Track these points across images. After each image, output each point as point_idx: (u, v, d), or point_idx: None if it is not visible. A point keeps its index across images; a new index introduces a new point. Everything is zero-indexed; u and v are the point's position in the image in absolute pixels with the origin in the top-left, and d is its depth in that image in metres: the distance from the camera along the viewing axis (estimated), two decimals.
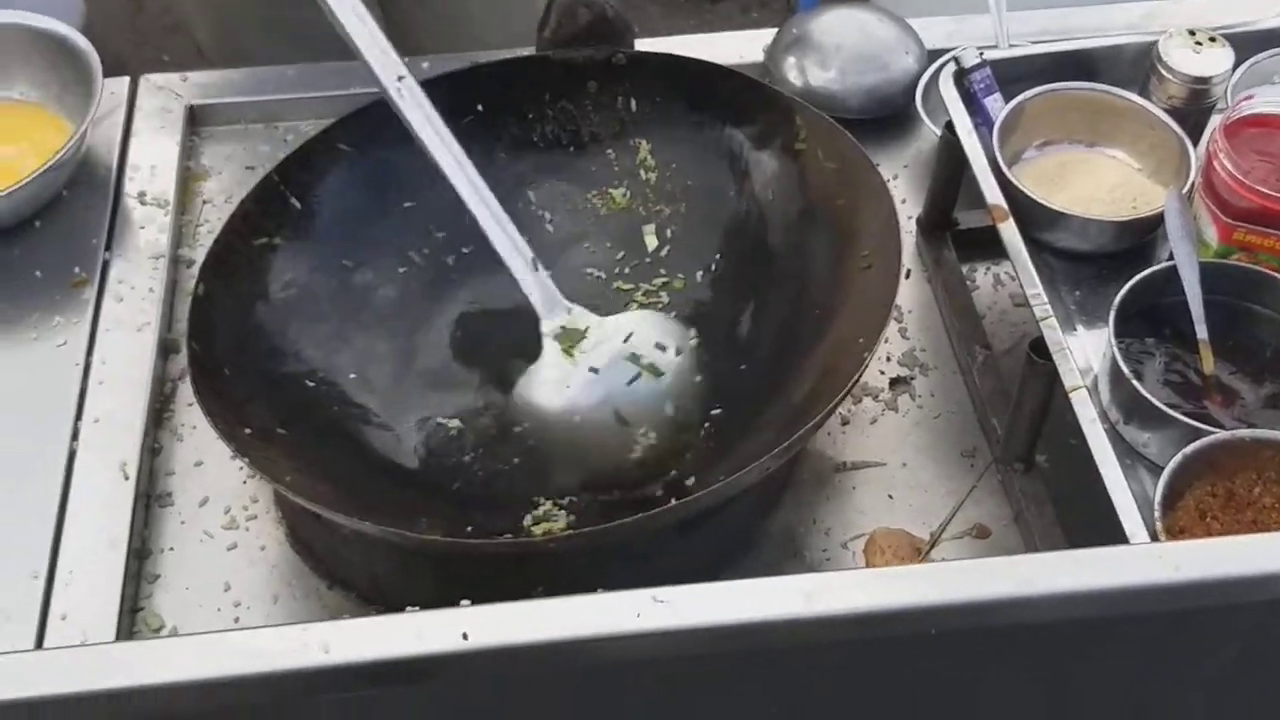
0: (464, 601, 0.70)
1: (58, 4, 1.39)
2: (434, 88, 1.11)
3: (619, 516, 0.89)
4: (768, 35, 1.31)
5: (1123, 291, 0.96)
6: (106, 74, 1.21)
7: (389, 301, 1.10)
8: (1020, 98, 1.09)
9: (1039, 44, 1.17)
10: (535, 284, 1.00)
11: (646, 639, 0.70)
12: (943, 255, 1.17)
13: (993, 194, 1.04)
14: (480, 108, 1.14)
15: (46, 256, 1.16)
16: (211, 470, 1.05)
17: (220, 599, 0.99)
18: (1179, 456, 0.89)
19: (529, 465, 1.02)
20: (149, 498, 1.04)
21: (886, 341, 1.13)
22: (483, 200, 0.99)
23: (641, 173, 1.15)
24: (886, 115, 1.27)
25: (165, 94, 1.28)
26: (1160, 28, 1.12)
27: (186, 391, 1.07)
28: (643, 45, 1.18)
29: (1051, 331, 0.96)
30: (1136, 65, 1.13)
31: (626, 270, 1.13)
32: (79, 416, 1.05)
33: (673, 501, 0.90)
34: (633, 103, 1.15)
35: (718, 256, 1.12)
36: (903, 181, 1.25)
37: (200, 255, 1.04)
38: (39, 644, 0.92)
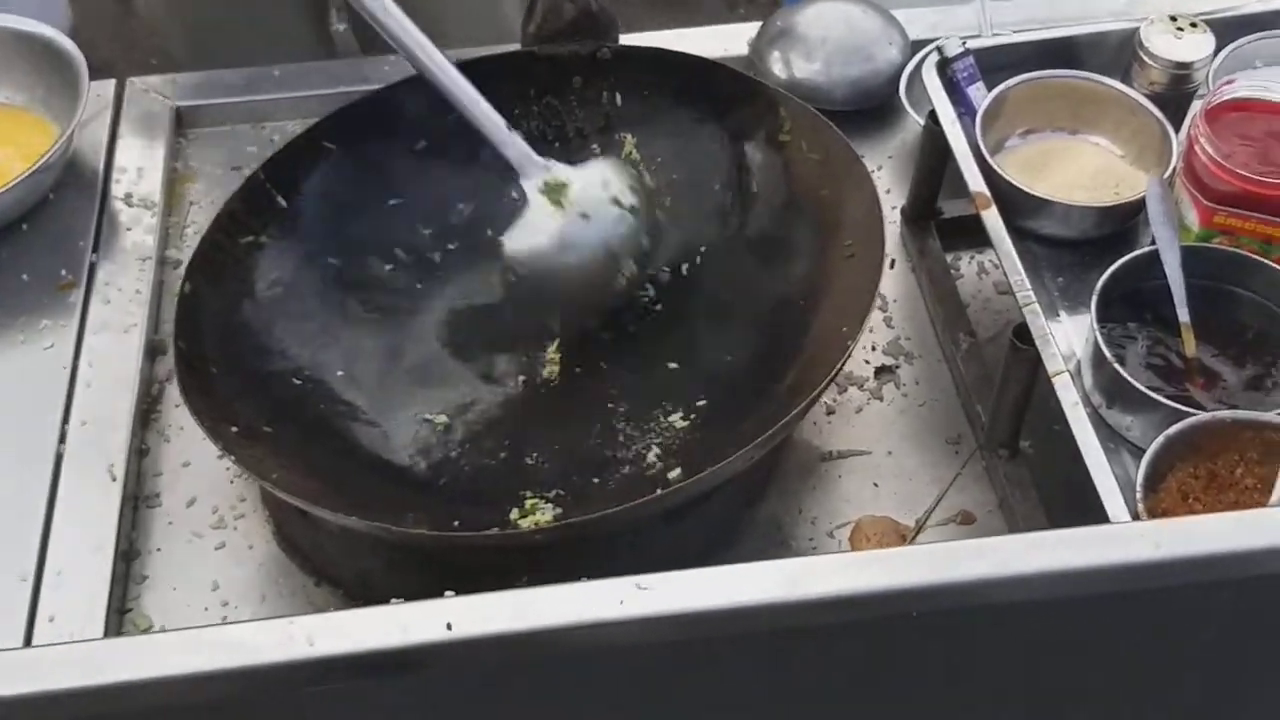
0: (448, 593, 0.70)
1: (43, 8, 1.39)
2: (419, 85, 1.12)
3: (605, 508, 0.89)
4: (753, 29, 1.31)
5: (1105, 276, 0.96)
6: (93, 77, 1.21)
7: (376, 298, 1.10)
8: (1002, 86, 1.09)
9: (1022, 33, 1.17)
10: (512, 145, 1.06)
11: (630, 625, 0.70)
12: (927, 244, 1.17)
13: (975, 182, 1.04)
14: None
15: (33, 259, 1.16)
16: (199, 470, 1.06)
17: (208, 598, 1.00)
18: (1161, 439, 0.89)
19: (511, 461, 1.03)
20: (137, 499, 1.04)
21: (871, 331, 1.14)
22: (451, 77, 1.04)
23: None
24: (871, 106, 1.27)
25: (151, 96, 1.28)
26: (1142, 14, 1.13)
27: (174, 393, 1.07)
28: (628, 40, 1.18)
29: (1034, 317, 0.96)
30: (1119, 52, 1.13)
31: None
32: (66, 419, 1.05)
33: (658, 491, 0.90)
34: (618, 97, 1.15)
35: (703, 249, 1.12)
36: (887, 172, 1.25)
37: (188, 256, 1.05)
38: (27, 645, 0.92)
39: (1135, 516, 0.87)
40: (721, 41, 1.29)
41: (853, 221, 1.02)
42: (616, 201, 1.06)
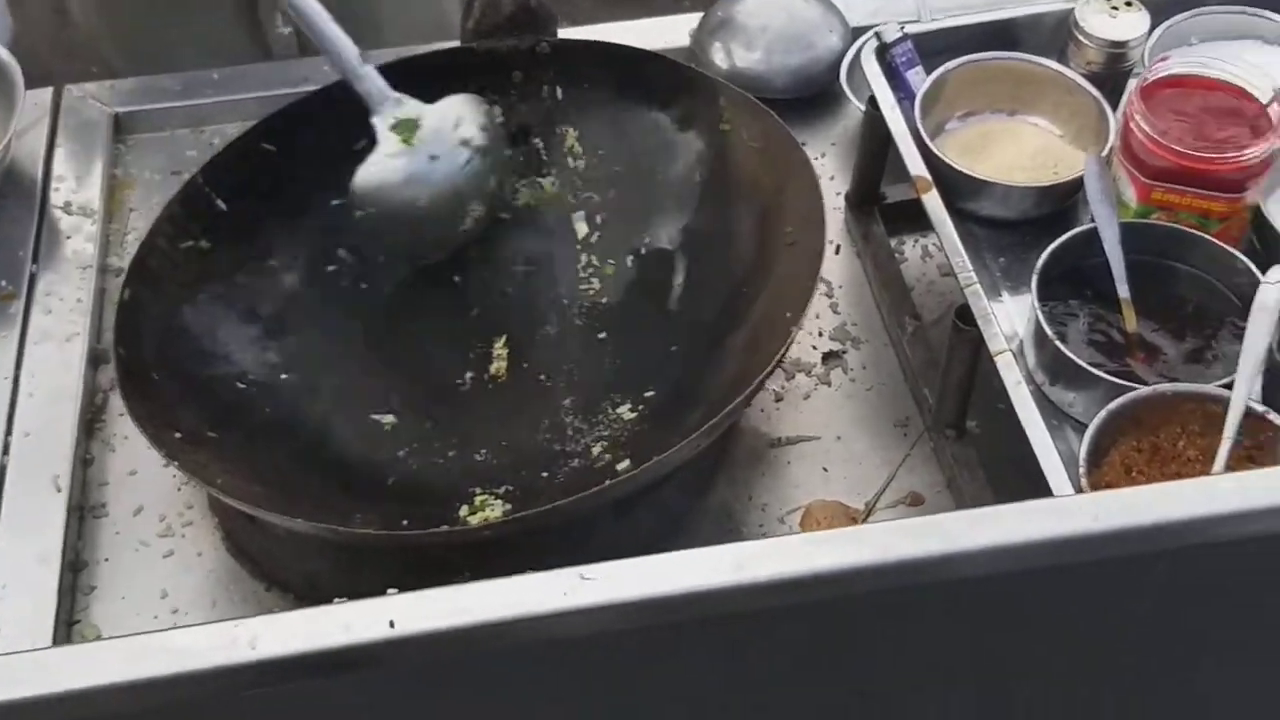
0: (391, 591, 0.70)
1: None
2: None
3: (554, 502, 0.89)
4: (694, 20, 1.31)
5: (1044, 256, 0.97)
6: (32, 86, 1.20)
7: (318, 300, 1.09)
8: (941, 70, 1.09)
9: (959, 16, 1.18)
10: (365, 77, 1.05)
11: (576, 616, 0.70)
12: (871, 230, 1.17)
13: (916, 166, 1.05)
14: None
15: None
16: (145, 479, 1.05)
17: (158, 607, 0.99)
18: (1103, 413, 0.90)
19: (460, 458, 1.03)
20: (82, 509, 1.03)
21: (818, 317, 1.14)
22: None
23: (570, 160, 1.15)
24: (813, 94, 1.27)
25: (89, 103, 1.27)
26: None
27: (118, 401, 1.06)
28: (567, 34, 1.18)
29: (976, 298, 0.97)
30: (1055, 33, 1.14)
31: (556, 259, 1.13)
32: (9, 431, 1.04)
33: (606, 483, 0.90)
34: (559, 91, 1.15)
35: (647, 240, 1.12)
36: (830, 158, 1.25)
37: (129, 263, 1.04)
38: None
39: (1079, 491, 0.87)
40: (662, 33, 1.29)
41: (794, 208, 1.02)
42: (465, 142, 1.06)
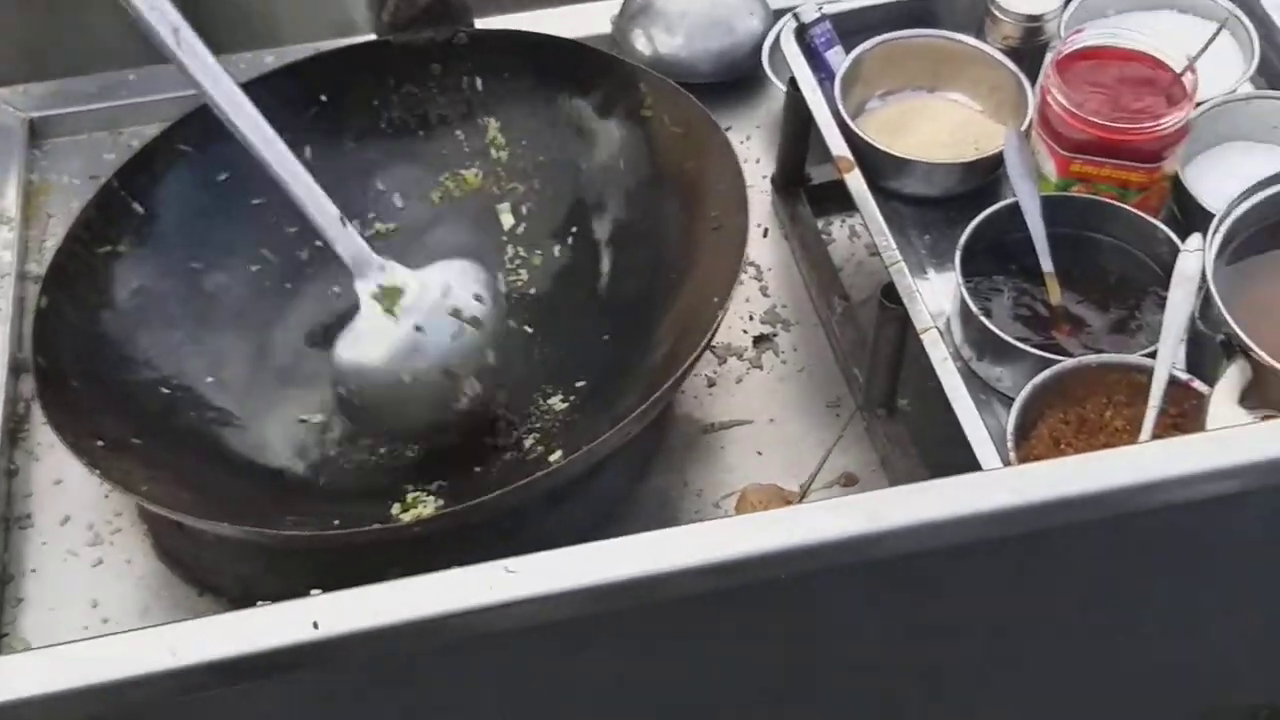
0: (314, 591, 0.69)
1: None
2: (274, 80, 1.10)
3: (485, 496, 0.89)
4: (615, 6, 1.31)
5: (967, 232, 0.97)
6: None
7: (243, 301, 1.08)
8: (859, 49, 1.09)
9: None
10: (346, 240, 0.96)
11: (502, 610, 0.69)
12: (798, 211, 1.17)
13: (837, 146, 1.05)
14: (324, 98, 1.12)
15: None
16: (71, 488, 1.03)
17: (88, 617, 0.98)
18: (1029, 387, 0.90)
19: (392, 456, 1.02)
20: (8, 520, 1.01)
21: (748, 300, 1.14)
22: (278, 156, 0.94)
23: (492, 151, 1.14)
24: (736, 77, 1.27)
25: (2, 108, 1.25)
26: None
27: (41, 410, 1.04)
28: (487, 23, 1.17)
29: (901, 277, 0.97)
30: (972, 9, 1.14)
31: (482, 252, 1.12)
32: None
33: (537, 475, 0.89)
34: (478, 82, 1.14)
35: (573, 229, 1.12)
36: (756, 141, 1.25)
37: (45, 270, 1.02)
38: None
39: (1008, 465, 0.87)
40: (583, 20, 1.28)
41: (717, 192, 1.02)
42: (456, 312, 0.96)
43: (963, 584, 0.79)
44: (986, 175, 1.06)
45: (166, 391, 1.01)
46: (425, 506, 0.96)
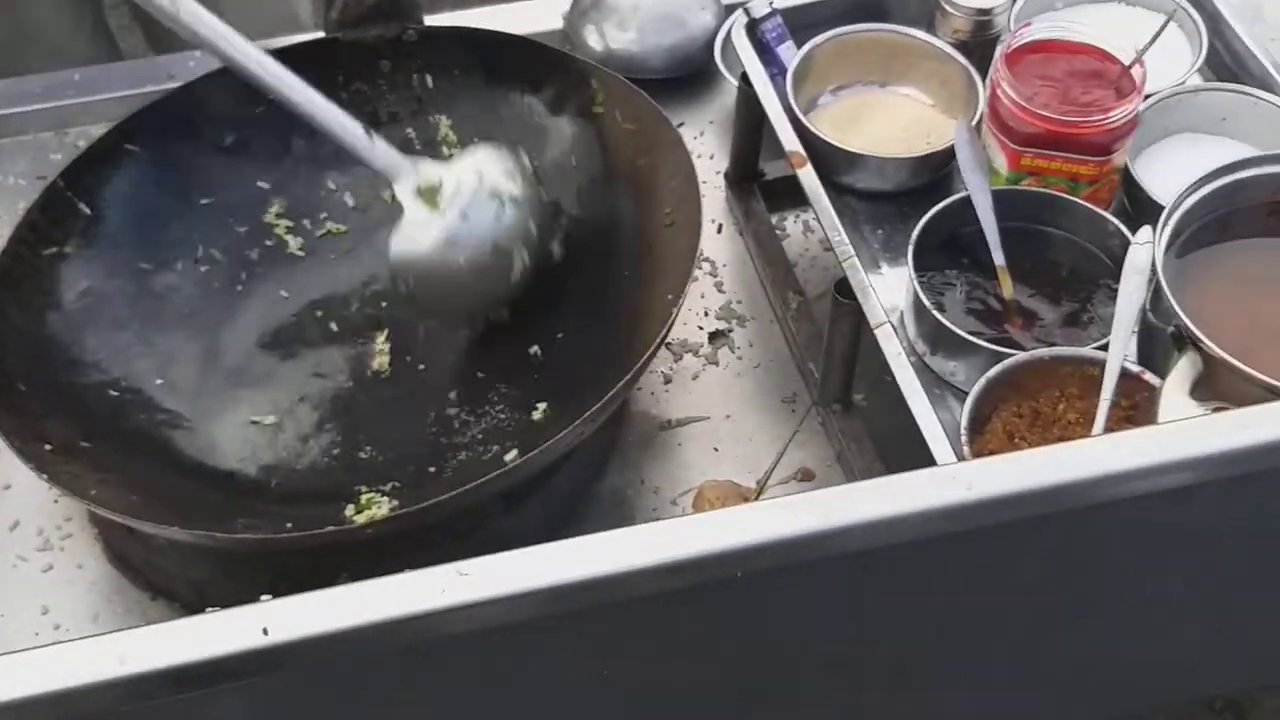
0: (264, 597, 0.69)
1: None
2: (223, 78, 1.09)
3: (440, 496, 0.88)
4: (566, 2, 1.30)
5: (918, 227, 0.97)
6: None
7: (192, 302, 1.07)
8: (810, 44, 1.09)
9: None
10: (376, 153, 1.01)
11: (455, 614, 0.69)
12: (752, 207, 1.17)
13: (789, 141, 1.05)
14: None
15: None
16: (20, 492, 1.02)
17: (38, 623, 0.97)
18: (982, 381, 0.90)
19: (345, 457, 1.01)
20: None
21: (703, 297, 1.14)
22: (299, 90, 0.99)
23: (444, 149, 1.14)
24: (689, 73, 1.27)
25: None
26: None
27: None
28: (437, 20, 1.16)
29: (854, 272, 0.97)
30: (923, 3, 1.14)
31: None
32: None
33: (492, 474, 0.89)
34: (428, 79, 1.13)
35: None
36: (710, 136, 1.25)
37: None
38: None
39: (962, 459, 0.88)
40: (535, 17, 1.28)
41: (670, 188, 1.02)
42: (495, 194, 1.01)
43: (919, 579, 0.79)
44: (938, 170, 1.06)
45: (115, 394, 1.00)
46: (379, 507, 0.95)
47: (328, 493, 0.98)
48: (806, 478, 1.03)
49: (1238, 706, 1.55)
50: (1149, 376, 0.90)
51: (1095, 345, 0.93)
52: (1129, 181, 1.01)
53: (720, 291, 1.15)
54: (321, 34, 1.12)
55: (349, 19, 1.11)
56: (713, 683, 0.86)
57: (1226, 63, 1.10)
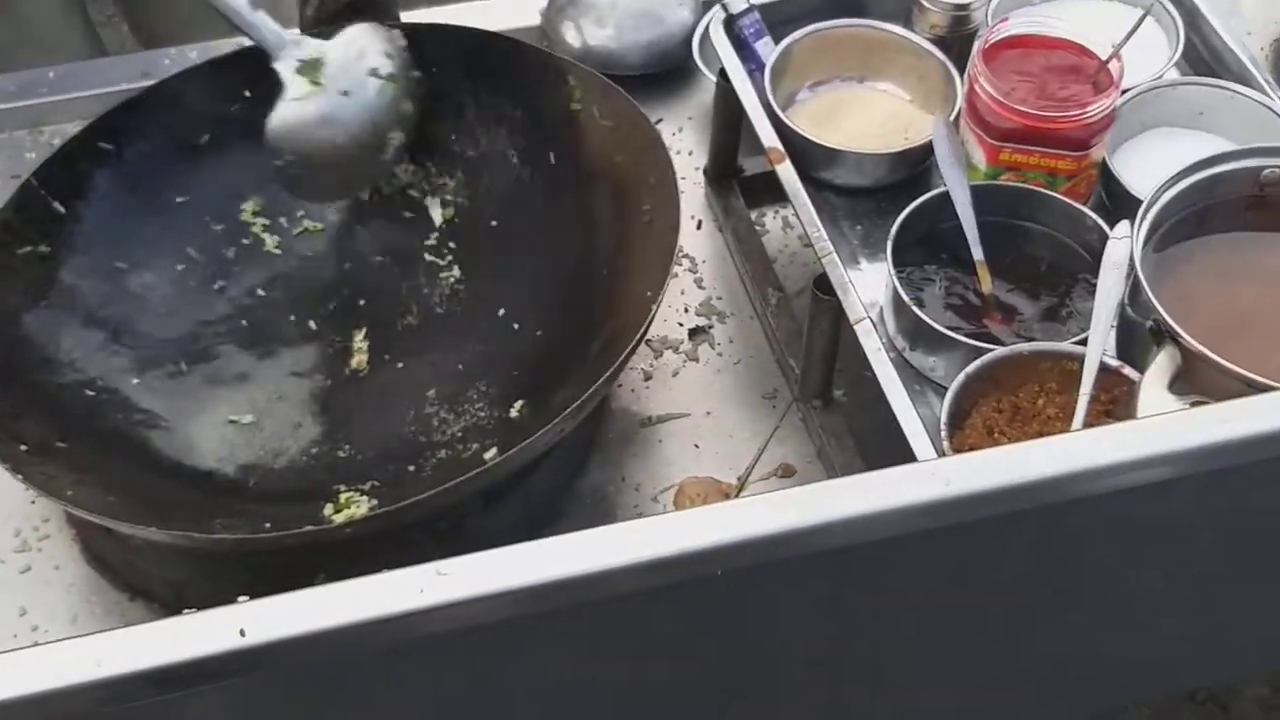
0: (241, 598, 0.68)
1: None
2: (198, 75, 1.09)
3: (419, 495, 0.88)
4: None
5: (897, 222, 0.97)
6: None
7: (168, 300, 1.06)
8: (787, 40, 1.09)
9: None
10: (258, 24, 1.03)
11: (434, 614, 0.68)
12: (731, 203, 1.17)
13: (768, 137, 1.05)
14: (248, 93, 1.10)
15: None
16: None
17: (16, 625, 0.96)
18: (961, 376, 0.90)
19: (324, 455, 1.01)
20: None
21: (683, 293, 1.14)
22: None
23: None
24: (667, 69, 1.27)
25: None
26: None
27: None
28: (414, 16, 1.15)
29: (833, 268, 0.97)
30: None
31: (414, 248, 1.11)
32: None
33: (472, 472, 0.88)
34: None
35: (504, 224, 1.10)
36: (688, 133, 1.25)
37: None
38: None
39: (942, 454, 0.88)
40: (512, 13, 1.27)
41: (648, 186, 1.01)
42: (374, 72, 1.04)
43: (899, 575, 0.79)
44: (916, 165, 1.06)
45: (91, 394, 0.99)
46: (358, 507, 0.95)
47: (306, 492, 0.98)
48: (787, 474, 1.03)
49: (1219, 698, 1.55)
50: (1128, 371, 0.90)
51: (1074, 340, 0.93)
52: (1107, 176, 1.01)
53: (700, 288, 1.14)
54: (297, 31, 1.11)
55: (324, 15, 1.10)
56: (693, 680, 0.86)
57: (1203, 57, 1.10)
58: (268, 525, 0.91)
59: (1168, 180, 0.93)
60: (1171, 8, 1.10)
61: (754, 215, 1.17)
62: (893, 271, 0.95)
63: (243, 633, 0.66)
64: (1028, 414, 0.92)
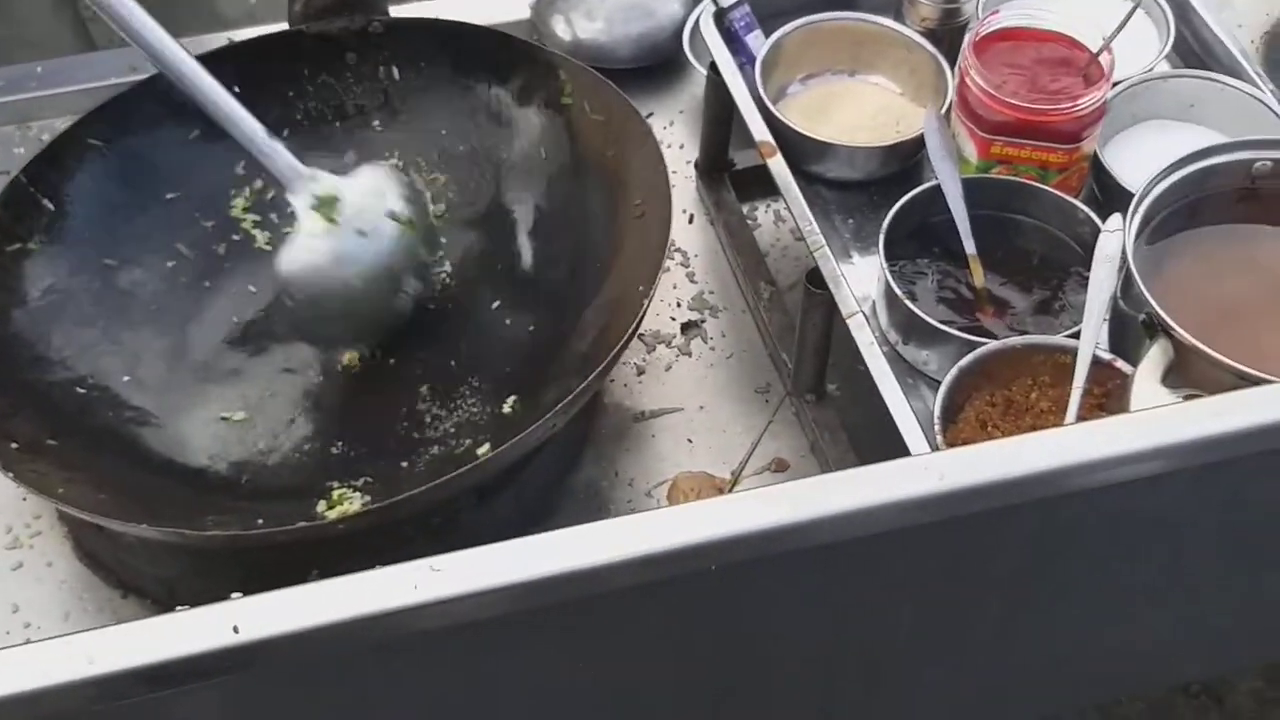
0: (234, 595, 0.68)
1: None
2: None
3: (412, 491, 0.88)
4: None
5: (889, 216, 0.97)
6: None
7: (159, 297, 1.06)
8: (778, 33, 1.09)
9: None
10: (275, 155, 0.98)
11: (428, 610, 0.68)
12: (722, 197, 1.17)
13: (759, 131, 1.04)
14: (237, 89, 1.09)
15: None
16: None
17: (8, 621, 0.96)
18: (954, 370, 0.90)
19: (317, 452, 1.00)
20: None
21: (675, 287, 1.14)
22: (203, 83, 0.96)
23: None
24: (658, 62, 1.27)
25: None
26: None
27: None
28: (403, 10, 1.15)
29: (825, 261, 0.96)
30: None
31: None
32: None
33: (464, 468, 0.88)
34: (395, 71, 1.13)
35: (496, 219, 1.10)
36: (679, 126, 1.25)
37: None
38: None
39: (935, 448, 0.87)
40: (502, 7, 1.27)
41: (640, 180, 1.01)
42: (393, 215, 1.00)
43: (893, 569, 0.79)
44: (908, 158, 1.06)
45: (82, 391, 0.99)
46: (351, 503, 0.95)
47: (299, 488, 0.98)
48: (781, 468, 1.03)
49: (1213, 691, 1.56)
50: (1121, 364, 0.90)
51: (1067, 333, 0.93)
52: (1098, 169, 1.01)
53: (692, 282, 1.14)
54: (285, 26, 1.11)
55: (313, 11, 1.10)
56: (687, 676, 0.86)
57: (1194, 49, 1.10)
58: (260, 522, 0.91)
59: (1159, 173, 0.93)
60: (1162, 0, 1.10)
61: (745, 209, 1.17)
62: (885, 265, 0.95)
63: (236, 630, 0.65)
64: (1021, 407, 0.92)
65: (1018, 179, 0.99)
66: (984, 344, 0.92)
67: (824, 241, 0.98)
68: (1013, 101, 0.97)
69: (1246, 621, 1.02)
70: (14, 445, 0.91)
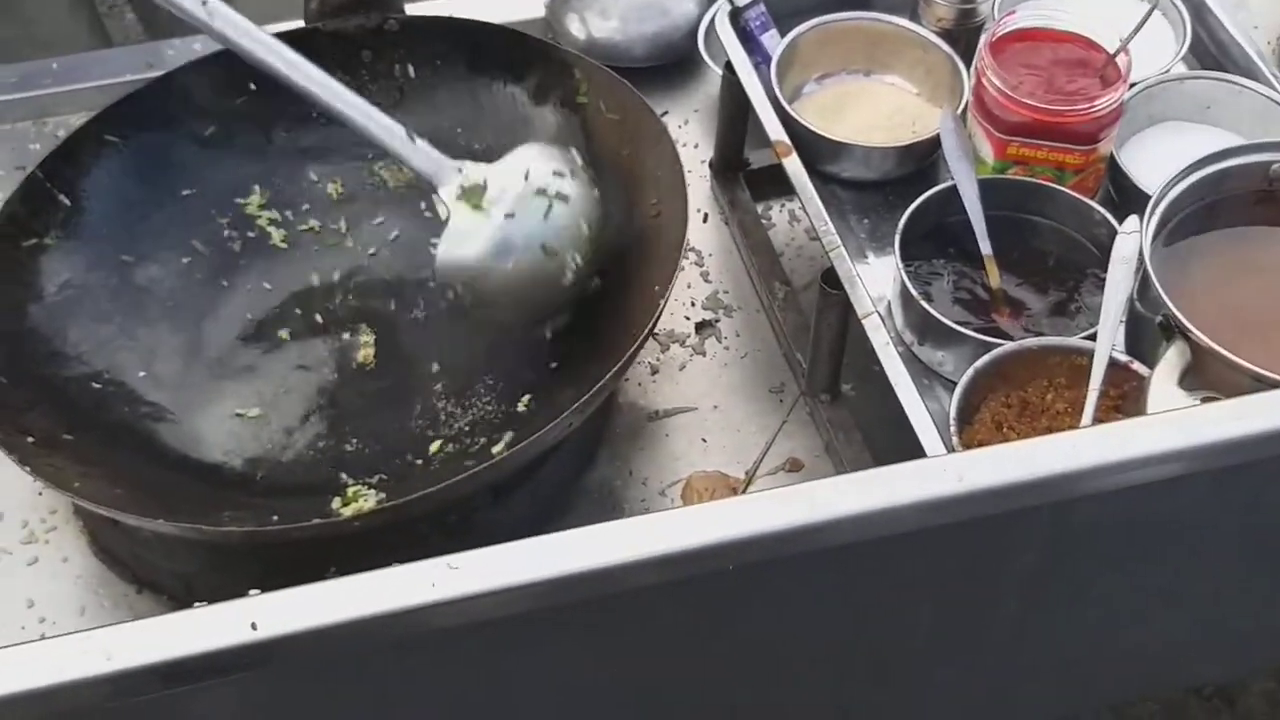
0: (252, 591, 0.68)
1: None
2: (203, 67, 1.08)
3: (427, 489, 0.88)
4: None
5: (905, 216, 0.97)
6: None
7: (175, 294, 1.06)
8: (794, 32, 1.09)
9: None
10: (419, 155, 0.98)
11: (446, 608, 0.68)
12: (737, 196, 1.17)
13: (774, 130, 1.04)
14: (253, 86, 1.10)
15: None
16: (4, 485, 1.01)
17: (24, 616, 0.96)
18: (970, 371, 0.90)
19: (331, 449, 1.01)
20: None
21: (689, 287, 1.14)
22: (335, 93, 0.96)
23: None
24: (672, 61, 1.27)
25: None
26: None
27: None
28: (419, 9, 1.15)
29: (841, 261, 0.96)
30: None
31: (420, 241, 1.11)
32: None
33: (479, 466, 0.88)
34: (410, 69, 1.12)
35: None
36: (694, 125, 1.25)
37: None
38: None
39: (951, 449, 0.87)
40: (518, 5, 1.27)
41: (655, 179, 1.01)
42: (542, 191, 0.97)
43: (909, 570, 0.79)
44: (924, 158, 1.06)
45: (98, 386, 0.99)
46: (366, 500, 0.95)
47: (314, 485, 0.98)
48: (795, 468, 1.03)
49: (1226, 693, 1.56)
50: (1137, 366, 0.90)
51: (1083, 335, 0.93)
52: (1115, 170, 1.01)
53: (707, 281, 1.14)
54: (301, 24, 1.11)
55: (329, 8, 1.10)
56: (703, 675, 0.86)
57: (1210, 51, 1.10)
58: (275, 518, 0.91)
59: (1176, 175, 0.93)
60: (1178, 1, 1.10)
61: (760, 208, 1.17)
62: (900, 265, 0.95)
63: (254, 626, 0.66)
64: (1036, 409, 0.92)
65: (1034, 180, 0.99)
66: (1000, 345, 0.92)
67: (839, 241, 0.98)
68: (1029, 102, 0.97)
69: (1261, 623, 1.02)
70: (30, 440, 0.91)
